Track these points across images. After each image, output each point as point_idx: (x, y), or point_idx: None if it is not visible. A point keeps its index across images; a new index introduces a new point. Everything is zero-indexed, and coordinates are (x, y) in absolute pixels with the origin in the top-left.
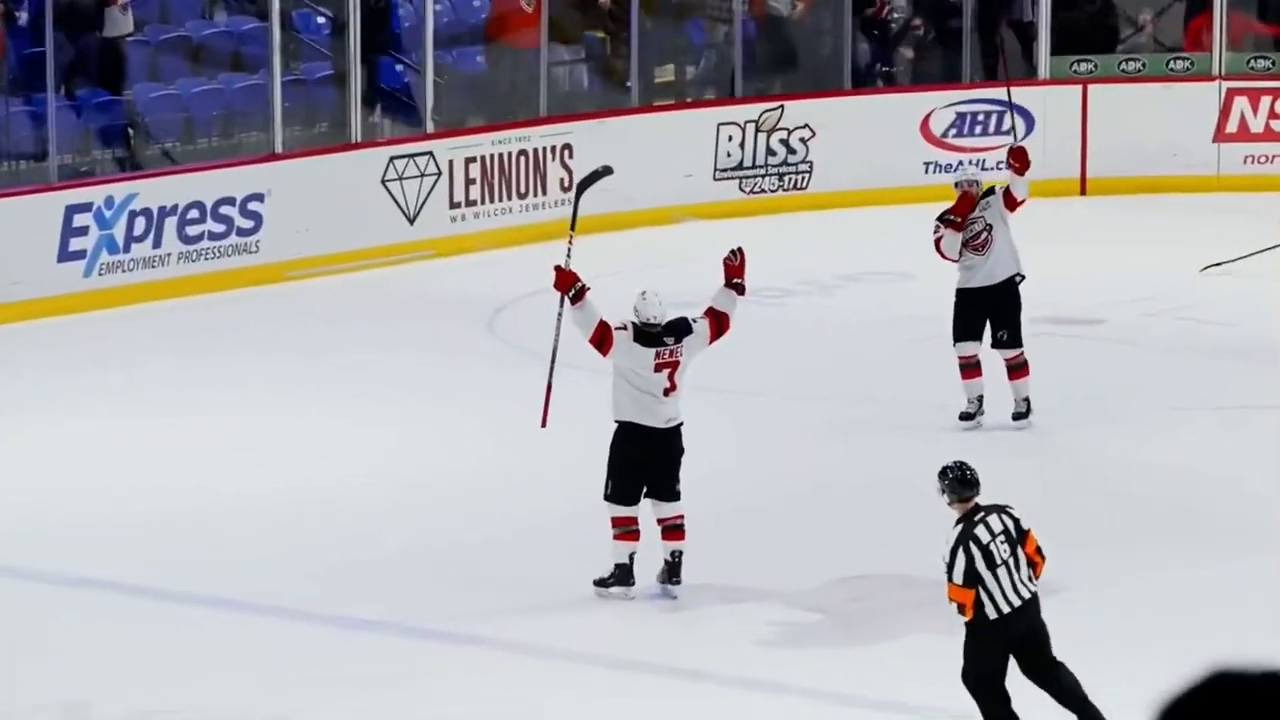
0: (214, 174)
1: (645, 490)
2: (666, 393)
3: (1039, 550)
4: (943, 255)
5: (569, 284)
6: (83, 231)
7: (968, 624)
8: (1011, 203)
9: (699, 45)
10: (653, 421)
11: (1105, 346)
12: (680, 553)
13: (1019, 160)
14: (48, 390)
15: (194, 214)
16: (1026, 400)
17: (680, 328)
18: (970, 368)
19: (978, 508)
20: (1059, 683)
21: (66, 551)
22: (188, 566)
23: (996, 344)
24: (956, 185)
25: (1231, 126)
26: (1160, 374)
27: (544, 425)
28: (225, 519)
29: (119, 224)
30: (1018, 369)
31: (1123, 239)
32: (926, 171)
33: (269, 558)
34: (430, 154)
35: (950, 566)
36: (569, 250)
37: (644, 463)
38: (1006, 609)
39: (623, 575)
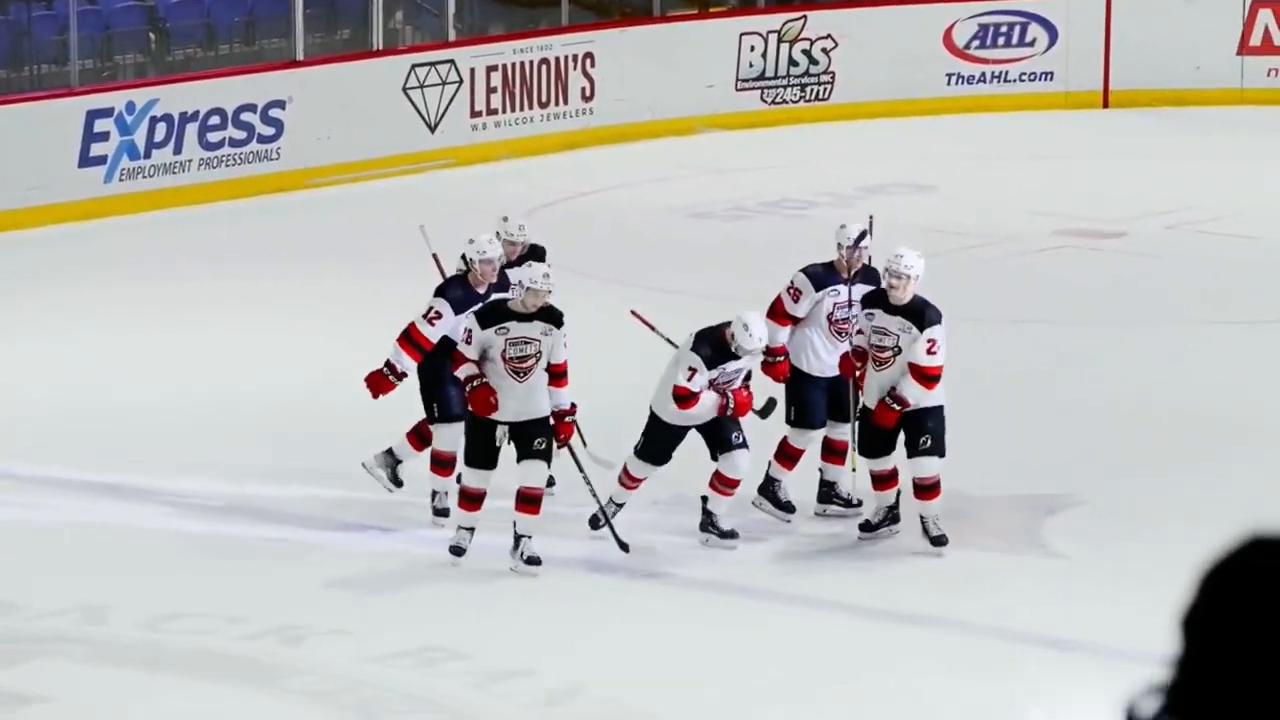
0: (235, 80)
1: None
2: None
3: None
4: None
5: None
6: (104, 137)
7: None
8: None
9: None
10: None
11: (1127, 259)
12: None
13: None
14: (65, 295)
15: (215, 120)
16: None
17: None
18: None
19: None
20: None
21: (57, 448)
22: (175, 466)
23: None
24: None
25: (1255, 40)
26: (1182, 287)
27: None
28: (210, 423)
29: (140, 130)
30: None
31: (1145, 152)
32: (949, 83)
33: (240, 461)
34: (452, 62)
35: None
36: None
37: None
38: None
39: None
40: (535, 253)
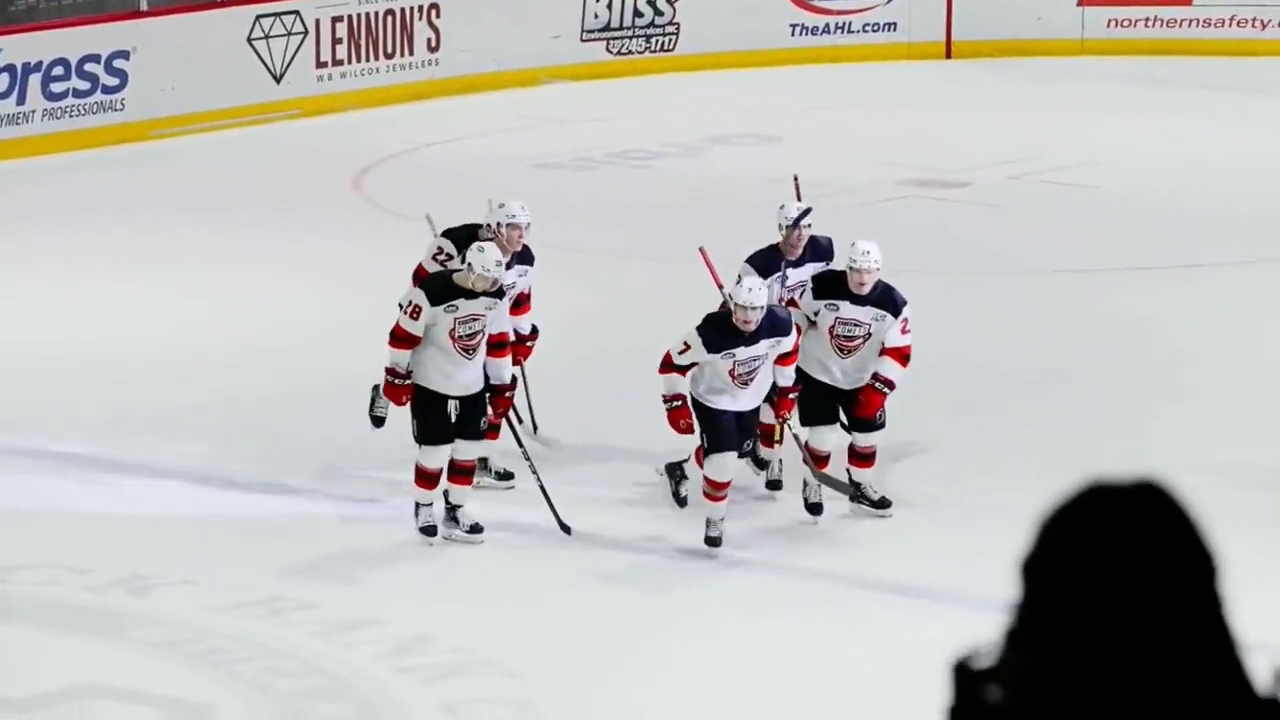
0: (79, 30)
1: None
2: None
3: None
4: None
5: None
6: None
7: None
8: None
9: None
10: None
11: (970, 209)
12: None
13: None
14: None
15: (59, 71)
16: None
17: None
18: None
19: None
20: None
21: None
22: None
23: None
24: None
25: None
26: (1025, 237)
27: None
28: (47, 373)
29: None
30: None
31: (987, 102)
32: (793, 34)
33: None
34: (297, 13)
35: None
36: None
37: None
38: None
39: None
40: (527, 255)
